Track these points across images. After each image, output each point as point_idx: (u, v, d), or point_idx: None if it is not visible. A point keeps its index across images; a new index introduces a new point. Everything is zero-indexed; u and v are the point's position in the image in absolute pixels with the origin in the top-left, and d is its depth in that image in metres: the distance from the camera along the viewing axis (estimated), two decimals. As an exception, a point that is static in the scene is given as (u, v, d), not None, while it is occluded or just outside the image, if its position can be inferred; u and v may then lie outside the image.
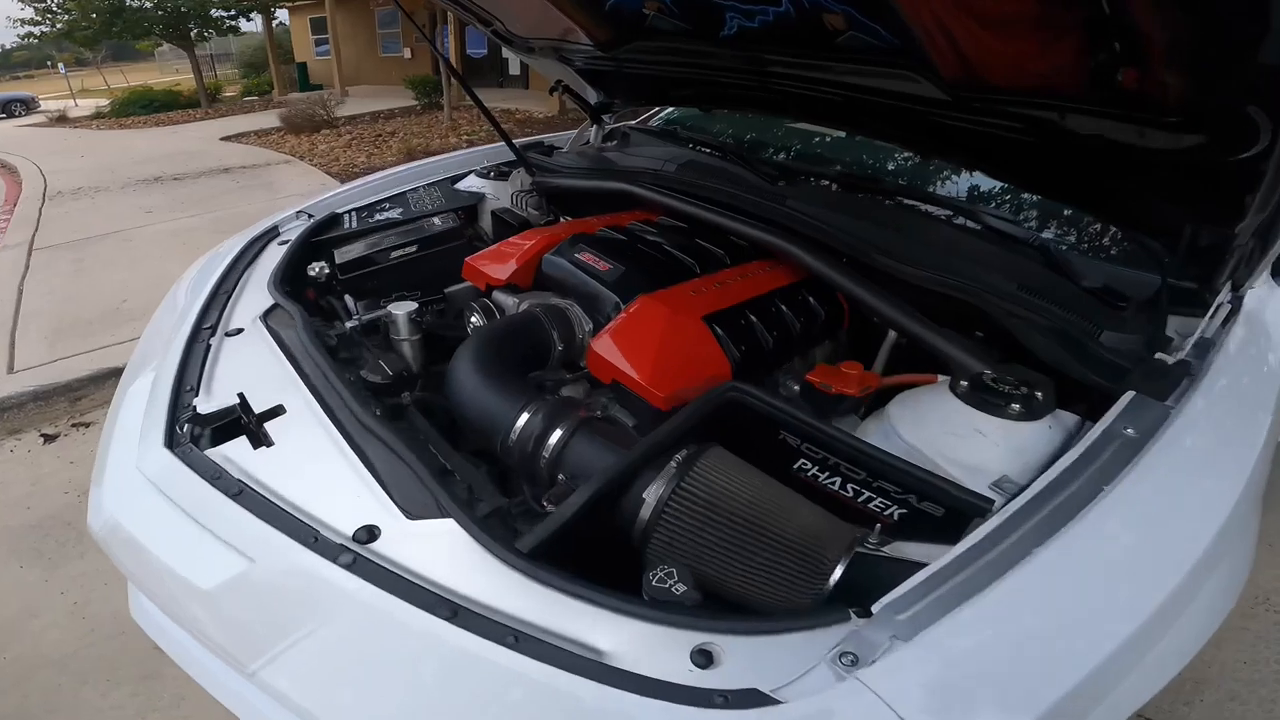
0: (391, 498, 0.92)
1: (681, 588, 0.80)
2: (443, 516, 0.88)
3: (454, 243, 1.75)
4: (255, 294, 1.49)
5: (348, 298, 1.67)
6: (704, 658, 0.71)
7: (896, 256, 1.36)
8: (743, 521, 0.90)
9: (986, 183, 1.76)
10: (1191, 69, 0.92)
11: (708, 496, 0.91)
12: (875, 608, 0.74)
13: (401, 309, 1.52)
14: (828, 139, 2.13)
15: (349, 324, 1.47)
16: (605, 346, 1.24)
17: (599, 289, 1.36)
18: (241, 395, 1.14)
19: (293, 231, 1.81)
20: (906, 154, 1.93)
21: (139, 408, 1.16)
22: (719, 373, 1.23)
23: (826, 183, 1.80)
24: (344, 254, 1.67)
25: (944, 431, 1.06)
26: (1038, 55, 1.01)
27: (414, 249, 1.70)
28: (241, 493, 0.95)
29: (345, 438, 1.02)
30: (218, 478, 0.98)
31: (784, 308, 1.42)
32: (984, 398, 1.06)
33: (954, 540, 0.93)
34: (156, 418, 1.12)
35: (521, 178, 2.03)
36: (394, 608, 0.78)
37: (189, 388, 1.19)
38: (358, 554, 0.84)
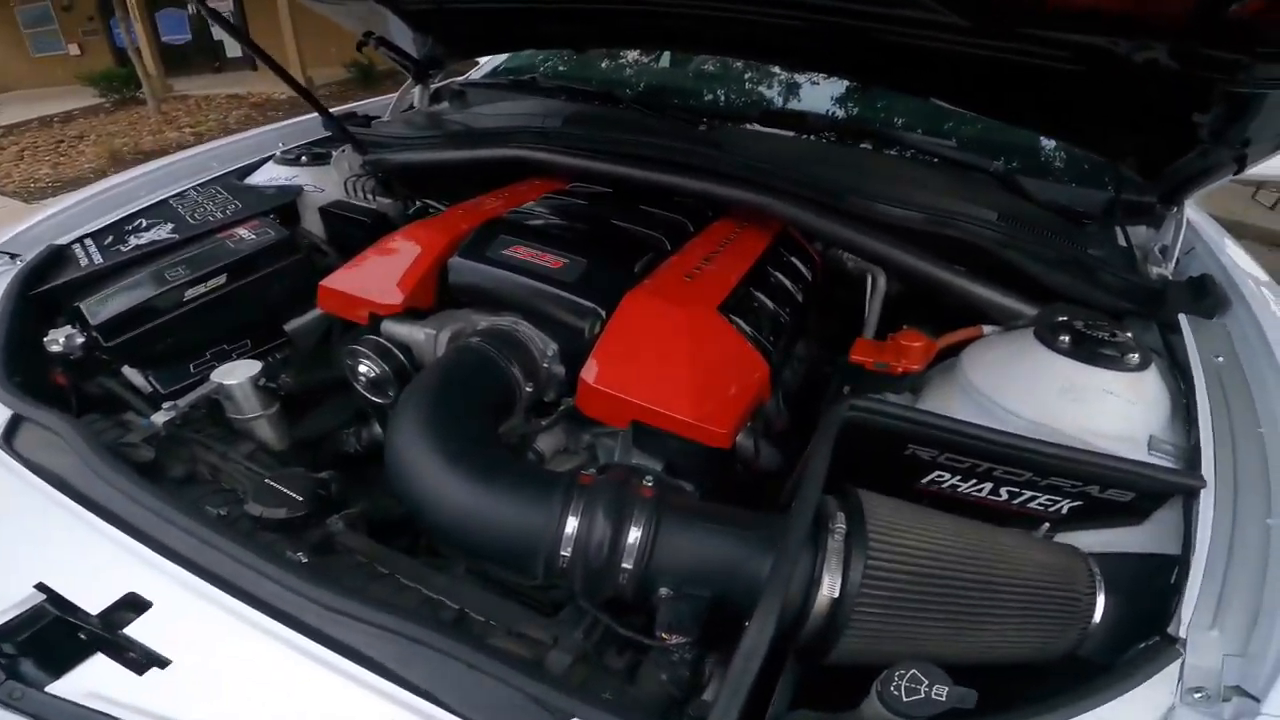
0: (446, 710, 0.58)
1: (943, 690, 0.56)
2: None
3: (283, 261, 1.18)
4: None
5: (128, 370, 1.06)
6: None
7: (872, 195, 1.15)
8: (964, 584, 0.64)
9: (917, 108, 1.61)
10: None
11: (907, 567, 0.63)
12: (1180, 630, 0.63)
13: (236, 376, 0.98)
14: (739, 73, 1.86)
15: (158, 418, 0.90)
16: (611, 378, 0.86)
17: (560, 295, 0.95)
18: (45, 587, 0.68)
19: (-11, 285, 1.11)
20: (826, 82, 1.72)
21: None
22: (759, 378, 0.93)
23: (752, 125, 1.52)
24: (100, 308, 1.04)
25: (1070, 400, 0.86)
26: None
27: (221, 280, 1.11)
28: None
29: (297, 629, 0.63)
30: None
31: (779, 275, 1.14)
32: (1095, 350, 0.88)
33: (1139, 519, 0.76)
34: None
35: (350, 159, 1.48)
36: None
37: None
38: None
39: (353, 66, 9.77)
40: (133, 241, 1.20)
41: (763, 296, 1.06)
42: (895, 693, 0.56)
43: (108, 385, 1.03)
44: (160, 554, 0.70)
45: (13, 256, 1.19)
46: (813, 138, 1.51)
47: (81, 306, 1.05)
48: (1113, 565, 0.74)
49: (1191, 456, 0.80)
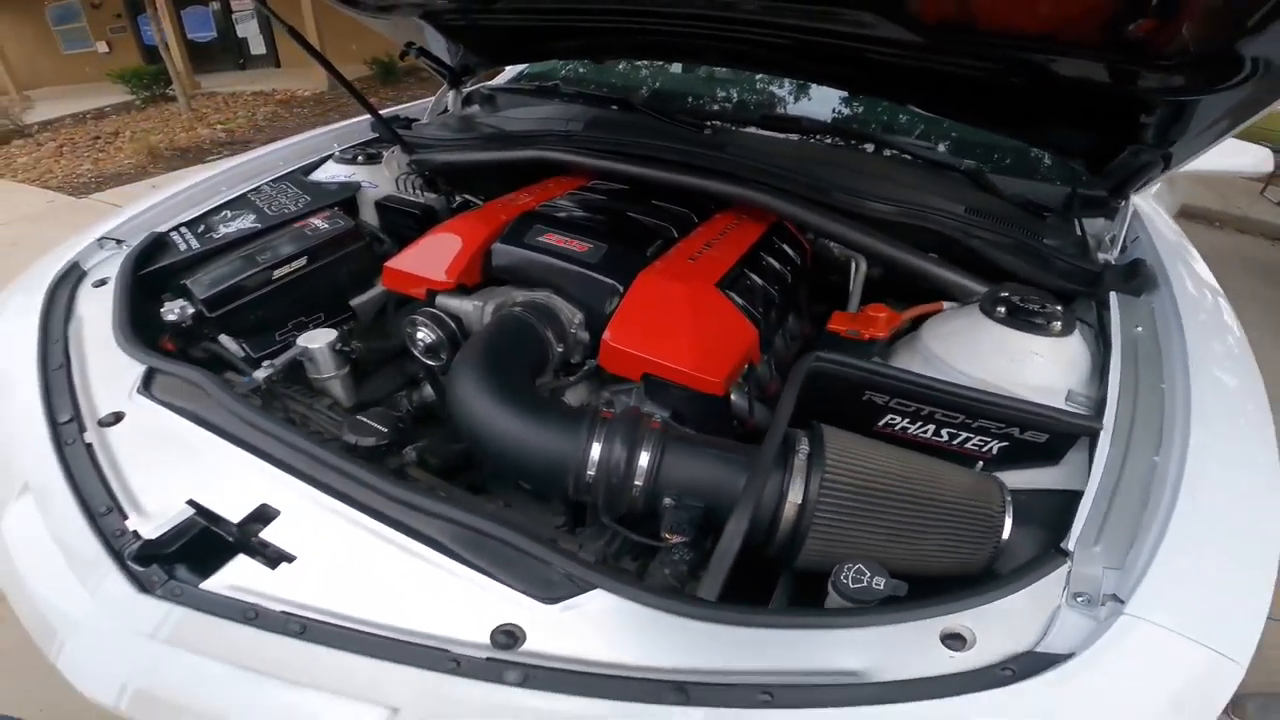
0: (505, 585, 0.72)
1: (881, 581, 0.72)
2: (584, 589, 0.71)
3: (351, 246, 1.39)
4: (104, 361, 1.06)
5: (224, 338, 1.27)
6: (957, 640, 0.67)
7: (856, 192, 1.33)
8: (900, 498, 0.81)
9: (902, 114, 1.79)
10: (1216, 24, 0.93)
11: (856, 481, 0.81)
12: (1070, 545, 0.74)
13: (317, 341, 1.19)
14: (739, 82, 2.04)
15: (260, 374, 1.11)
16: (627, 338, 1.06)
17: (585, 274, 1.15)
18: (195, 503, 0.82)
19: (105, 266, 1.33)
20: (817, 90, 1.91)
21: (42, 550, 0.80)
22: (748, 341, 1.12)
23: (751, 128, 1.71)
24: (204, 284, 1.25)
25: (1003, 359, 1.04)
26: (1064, 7, 0.98)
27: (302, 262, 1.32)
28: (306, 629, 0.68)
29: (392, 526, 0.78)
30: (255, 617, 0.70)
31: (770, 259, 1.33)
32: (1026, 320, 1.07)
33: (1054, 460, 0.94)
34: (88, 558, 0.78)
35: (399, 158, 1.68)
36: (609, 713, 0.60)
37: (103, 510, 0.82)
38: (525, 664, 0.64)
39: (374, 64, 10.00)
40: (221, 230, 1.41)
41: (755, 276, 1.25)
42: (844, 582, 0.73)
43: (212, 349, 1.24)
44: (286, 472, 0.86)
45: (118, 242, 1.41)
46: (805, 139, 1.70)
47: (188, 284, 1.26)
48: (1029, 498, 0.89)
49: (1101, 407, 0.96)
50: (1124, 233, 1.36)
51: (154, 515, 0.82)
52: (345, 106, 9.00)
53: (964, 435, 0.97)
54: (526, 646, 0.67)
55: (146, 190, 4.90)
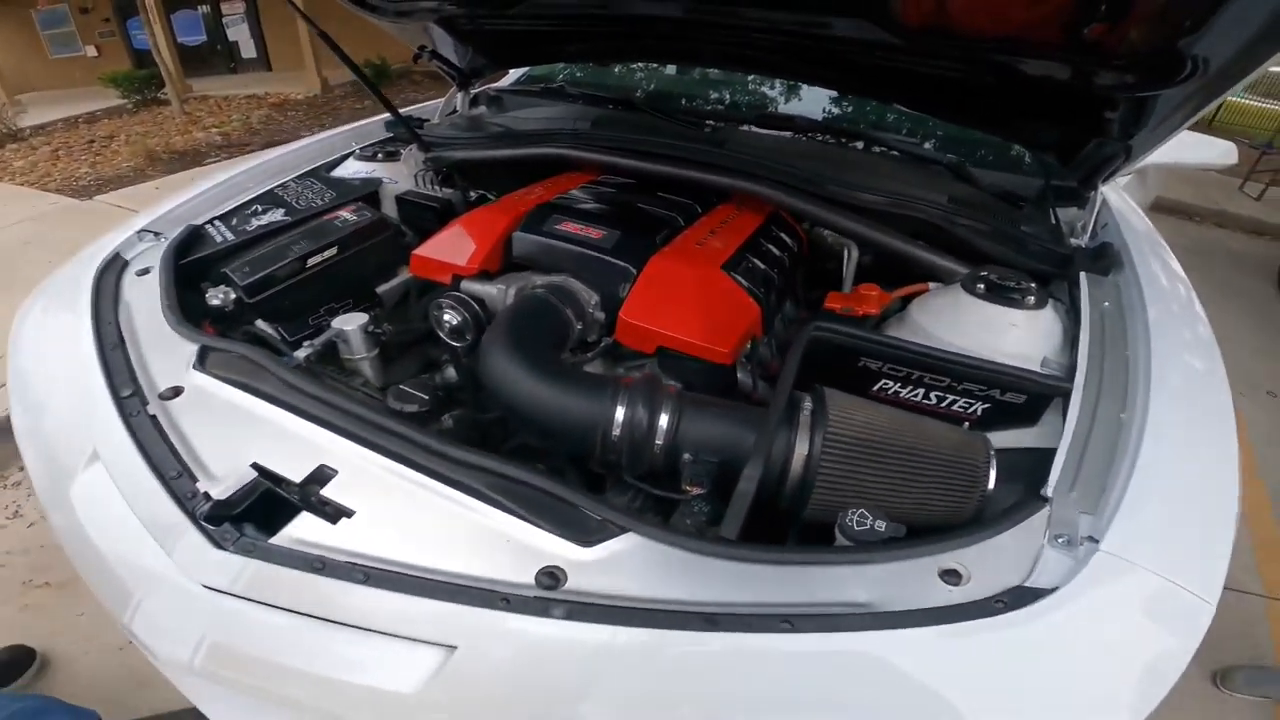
0: (546, 530, 0.79)
1: (882, 524, 0.81)
2: (617, 532, 0.78)
3: (378, 236, 1.48)
4: (157, 342, 1.14)
5: (260, 323, 1.35)
6: (953, 576, 0.74)
7: (849, 185, 1.43)
8: (896, 451, 0.90)
9: (889, 113, 1.90)
10: (1158, 26, 1.04)
11: (855, 435, 0.90)
12: (1048, 491, 0.83)
13: (351, 323, 1.28)
14: (732, 82, 2.15)
15: (300, 354, 1.19)
16: (642, 315, 1.16)
17: (601, 258, 1.25)
18: (258, 465, 0.89)
19: (145, 257, 1.41)
20: (809, 90, 2.01)
21: (115, 514, 0.86)
22: (752, 318, 1.22)
23: (747, 126, 1.81)
24: (244, 272, 1.34)
25: (984, 331, 1.14)
26: (1028, 12, 1.09)
27: (334, 251, 1.41)
28: (370, 577, 0.75)
29: (440, 480, 0.85)
30: (322, 568, 0.76)
31: (768, 245, 1.43)
32: (1004, 295, 1.17)
33: (1032, 422, 1.04)
34: (164, 520, 0.83)
35: (416, 155, 1.77)
36: (649, 640, 0.68)
37: (173, 474, 0.89)
38: (568, 601, 0.71)
39: (367, 67, 10.03)
40: (254, 222, 1.50)
41: (755, 260, 1.35)
42: (850, 524, 0.81)
43: (253, 332, 1.33)
44: (340, 435, 0.93)
45: (156, 235, 1.50)
46: (798, 137, 1.80)
47: (228, 271, 1.34)
48: (1010, 455, 0.97)
49: (1072, 372, 1.07)
50: (1094, 220, 1.47)
51: (221, 478, 0.88)
52: (338, 110, 9.05)
53: (950, 398, 1.07)
54: (568, 585, 0.74)
55: (150, 192, 5.01)
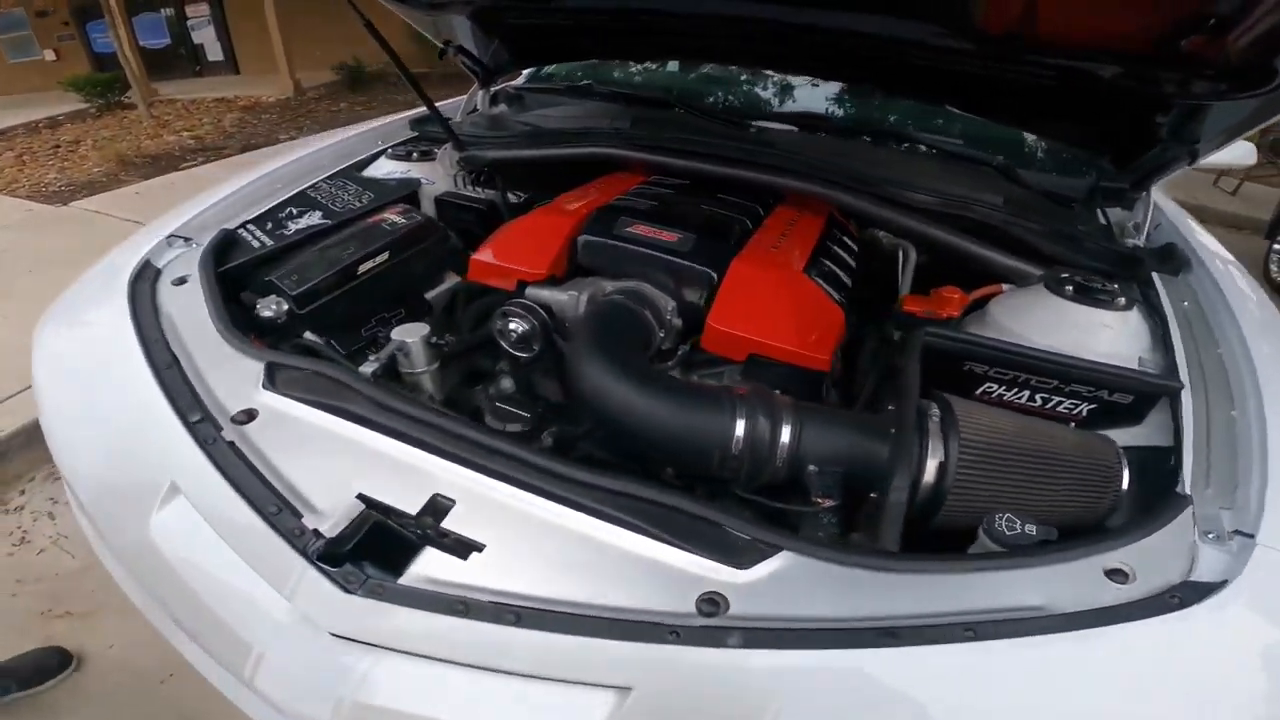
0: (696, 553, 0.74)
1: (1033, 528, 0.78)
2: (771, 552, 0.74)
3: (429, 239, 1.41)
4: (214, 359, 1.05)
5: (309, 335, 1.27)
6: (1119, 575, 0.73)
7: (907, 185, 1.41)
8: (1026, 454, 0.88)
9: (932, 112, 1.89)
10: (1259, 40, 1.03)
11: (988, 442, 0.87)
12: (1184, 489, 0.83)
13: (413, 334, 1.21)
14: (764, 80, 2.11)
15: (366, 368, 1.12)
16: (732, 321, 1.11)
17: (679, 263, 1.20)
18: (365, 497, 0.81)
19: (179, 264, 1.32)
20: (851, 90, 1.98)
21: (216, 558, 0.78)
22: (839, 321, 1.18)
23: (791, 126, 1.78)
24: (293, 281, 1.25)
25: (1077, 331, 1.12)
26: (1125, 24, 1.07)
27: (385, 256, 1.33)
28: (521, 617, 0.68)
29: (570, 506, 0.79)
30: (465, 610, 0.69)
31: (835, 247, 1.40)
32: (1093, 297, 1.15)
33: (1138, 420, 1.03)
34: (276, 562, 0.75)
35: (452, 154, 1.70)
36: (832, 660, 0.65)
37: (273, 509, 0.80)
38: (741, 627, 0.66)
39: (340, 69, 9.85)
40: (291, 226, 1.41)
41: (829, 263, 1.31)
42: (999, 529, 0.78)
43: (306, 345, 1.24)
44: (447, 460, 0.85)
45: (187, 240, 1.40)
46: (843, 138, 1.77)
47: (275, 280, 1.26)
48: (1127, 454, 0.95)
49: (1170, 371, 1.05)
50: (1148, 220, 1.47)
51: (326, 513, 0.79)
52: (314, 112, 8.82)
53: (1056, 399, 1.04)
54: (731, 611, 0.69)
55: (131, 197, 4.79)
